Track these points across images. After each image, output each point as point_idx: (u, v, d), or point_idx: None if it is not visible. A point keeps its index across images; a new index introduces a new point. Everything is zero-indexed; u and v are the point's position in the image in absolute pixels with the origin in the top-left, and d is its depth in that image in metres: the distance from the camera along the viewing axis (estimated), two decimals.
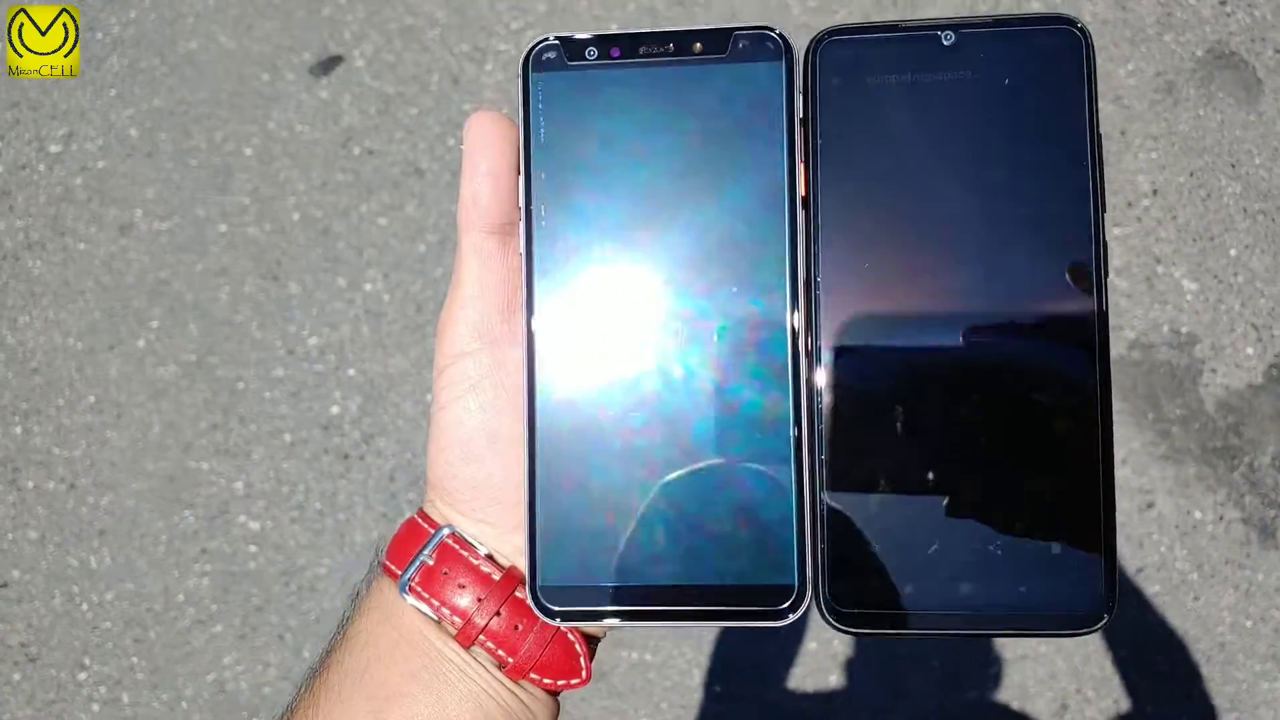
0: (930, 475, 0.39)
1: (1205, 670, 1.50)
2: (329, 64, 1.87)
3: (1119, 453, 1.58)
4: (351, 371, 1.69)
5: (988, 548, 0.38)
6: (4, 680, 1.61)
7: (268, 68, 1.87)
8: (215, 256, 1.77)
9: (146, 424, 1.70)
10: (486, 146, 0.41)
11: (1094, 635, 1.55)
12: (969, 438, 0.39)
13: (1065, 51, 0.39)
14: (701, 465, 0.40)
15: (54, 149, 1.86)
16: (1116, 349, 1.61)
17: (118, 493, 1.67)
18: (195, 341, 1.73)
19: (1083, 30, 0.39)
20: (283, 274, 1.75)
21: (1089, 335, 0.38)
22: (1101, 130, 0.39)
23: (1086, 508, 0.38)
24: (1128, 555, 1.54)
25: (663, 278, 0.41)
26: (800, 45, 0.41)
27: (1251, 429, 1.57)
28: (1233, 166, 1.67)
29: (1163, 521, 1.54)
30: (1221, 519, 1.54)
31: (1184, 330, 1.61)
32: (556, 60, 0.41)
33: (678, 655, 1.54)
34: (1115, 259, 1.66)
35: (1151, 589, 1.52)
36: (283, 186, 1.80)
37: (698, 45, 0.41)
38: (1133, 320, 1.62)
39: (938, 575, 0.39)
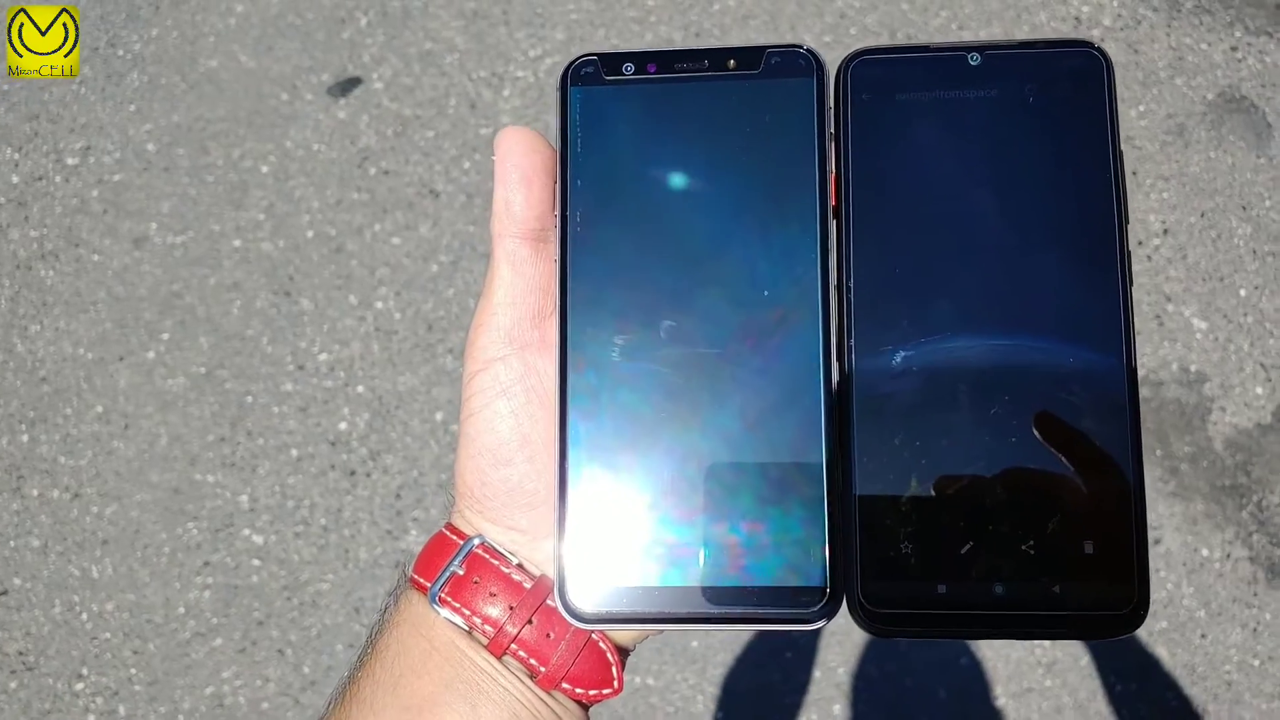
0: (962, 476, 0.39)
1: (1212, 708, 1.49)
2: (348, 85, 1.89)
3: None
4: (361, 388, 1.69)
5: (1020, 547, 0.38)
6: (1, 688, 1.59)
7: (287, 87, 1.89)
8: (228, 271, 1.78)
9: (154, 435, 1.70)
10: (518, 156, 0.42)
11: (1099, 672, 1.52)
12: (998, 439, 0.39)
13: (1086, 72, 0.40)
14: (732, 466, 0.40)
15: (71, 161, 1.87)
16: None
17: (122, 503, 1.66)
18: (205, 355, 1.73)
19: (1101, 52, 0.40)
20: (295, 290, 1.76)
21: (1115, 334, 0.39)
22: (1122, 147, 0.40)
23: (1118, 507, 0.38)
24: None
25: (695, 283, 0.41)
26: (831, 63, 0.42)
27: (1260, 468, 1.57)
28: (1243, 209, 1.68)
29: (1170, 558, 1.54)
30: (1229, 557, 1.54)
31: (1193, 369, 1.62)
32: (594, 75, 0.42)
33: (680, 680, 1.53)
34: None
35: (1159, 625, 1.51)
36: (298, 204, 1.81)
37: (731, 62, 0.42)
38: (1142, 357, 1.63)
39: (971, 575, 0.38)
